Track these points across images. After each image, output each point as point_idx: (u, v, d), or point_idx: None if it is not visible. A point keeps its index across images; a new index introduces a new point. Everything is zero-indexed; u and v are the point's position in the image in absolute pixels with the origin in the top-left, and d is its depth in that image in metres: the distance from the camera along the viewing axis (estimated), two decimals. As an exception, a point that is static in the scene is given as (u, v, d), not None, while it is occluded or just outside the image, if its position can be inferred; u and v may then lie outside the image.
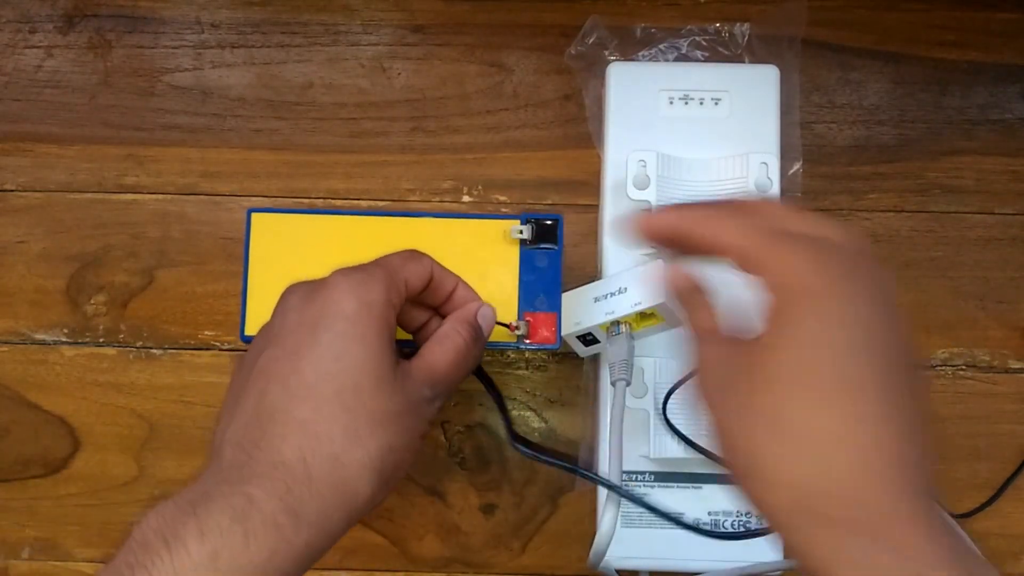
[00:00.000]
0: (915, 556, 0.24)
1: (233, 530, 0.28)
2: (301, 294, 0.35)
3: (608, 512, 0.41)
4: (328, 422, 0.31)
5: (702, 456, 0.45)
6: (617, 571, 0.47)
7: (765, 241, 0.28)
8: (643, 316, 0.44)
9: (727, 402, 0.28)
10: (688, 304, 0.33)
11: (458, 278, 0.40)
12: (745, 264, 0.29)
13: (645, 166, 0.48)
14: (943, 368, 0.53)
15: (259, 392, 0.32)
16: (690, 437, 0.45)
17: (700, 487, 0.48)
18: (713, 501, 0.48)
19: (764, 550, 0.48)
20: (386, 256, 0.37)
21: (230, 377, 0.37)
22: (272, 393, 0.32)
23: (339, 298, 0.33)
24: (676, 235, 0.31)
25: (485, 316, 0.40)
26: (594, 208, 0.53)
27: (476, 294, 0.41)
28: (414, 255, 0.37)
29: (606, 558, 0.43)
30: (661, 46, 0.55)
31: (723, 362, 0.29)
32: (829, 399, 0.26)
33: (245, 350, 0.54)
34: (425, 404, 0.36)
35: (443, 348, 0.37)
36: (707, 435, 0.34)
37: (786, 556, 0.28)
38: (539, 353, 0.54)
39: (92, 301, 0.55)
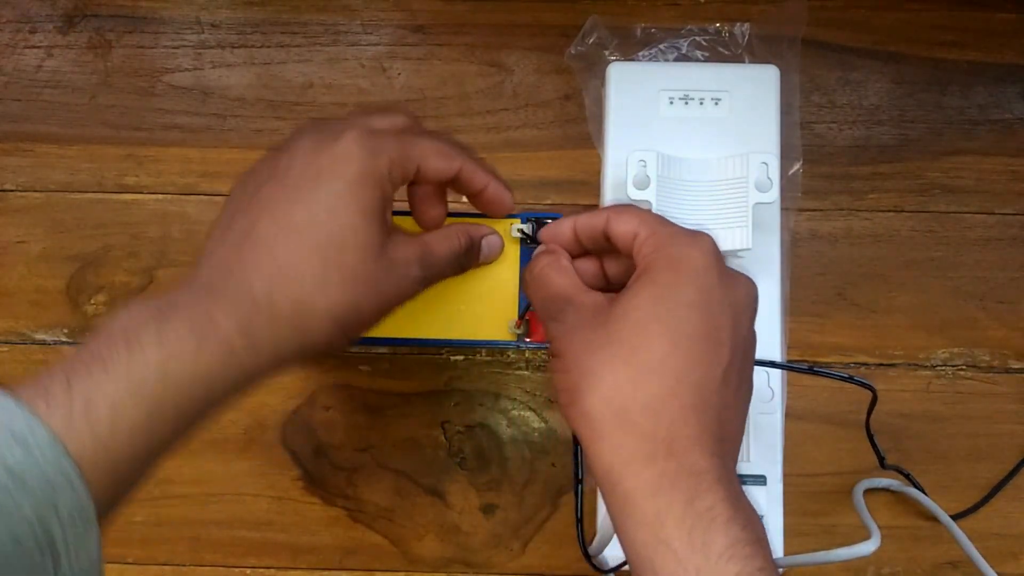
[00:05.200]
0: (696, 469, 0.29)
1: (188, 340, 0.29)
2: (315, 139, 0.35)
3: None
4: (302, 266, 0.32)
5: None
6: (616, 572, 0.47)
7: (656, 228, 0.34)
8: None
9: (575, 334, 0.33)
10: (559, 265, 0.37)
11: (491, 177, 0.40)
12: (635, 245, 0.34)
13: (645, 166, 0.47)
14: (943, 368, 0.53)
15: (250, 222, 0.33)
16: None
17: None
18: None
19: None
20: (418, 136, 0.37)
21: (229, 193, 0.37)
22: (261, 226, 0.33)
23: (346, 159, 0.34)
24: (591, 232, 0.36)
25: (491, 243, 0.42)
26: (594, 208, 0.53)
27: (506, 196, 0.41)
28: (444, 153, 0.37)
29: (606, 559, 0.43)
30: (661, 46, 0.55)
31: (586, 308, 0.34)
32: (663, 336, 0.31)
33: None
34: (408, 279, 0.36)
35: (444, 237, 0.39)
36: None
37: (589, 466, 0.32)
38: (539, 353, 0.54)
39: (92, 301, 0.55)
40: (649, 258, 0.33)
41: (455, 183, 0.39)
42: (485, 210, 0.41)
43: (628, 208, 0.36)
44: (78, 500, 0.26)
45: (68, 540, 0.26)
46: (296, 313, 0.32)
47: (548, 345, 0.35)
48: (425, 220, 0.40)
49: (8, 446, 0.25)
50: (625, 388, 0.31)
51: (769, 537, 0.48)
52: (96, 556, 0.27)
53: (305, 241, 0.32)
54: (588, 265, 0.38)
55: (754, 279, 0.49)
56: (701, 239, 0.33)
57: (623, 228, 0.35)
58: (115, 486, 0.28)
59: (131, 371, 0.28)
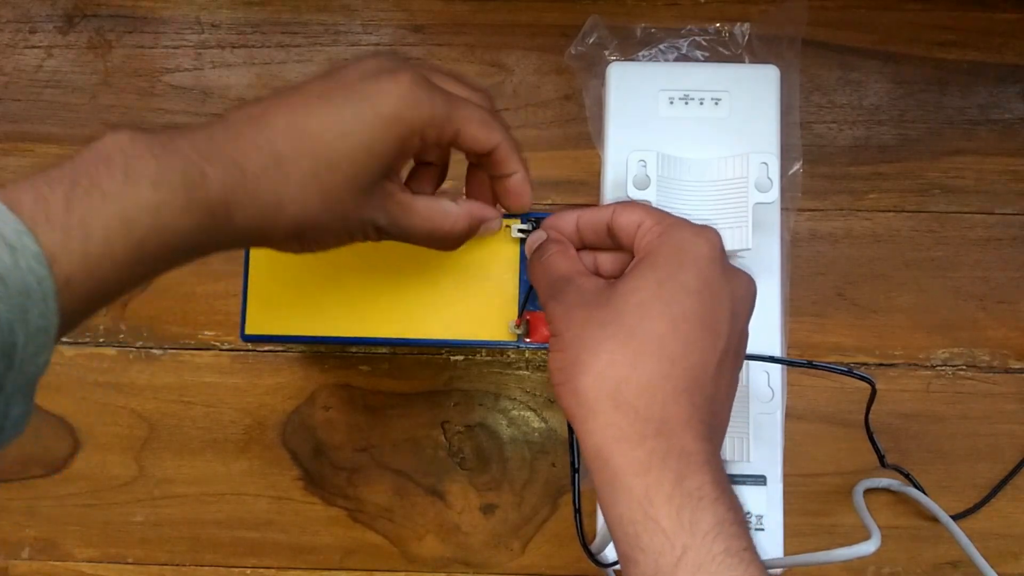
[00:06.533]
0: (686, 450, 0.30)
1: (180, 192, 0.29)
2: (379, 65, 0.34)
3: None
4: (293, 168, 0.32)
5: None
6: (616, 572, 0.47)
7: (663, 217, 0.35)
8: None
9: (575, 312, 0.33)
10: (562, 248, 0.38)
11: (522, 166, 0.39)
12: (639, 233, 0.35)
13: (645, 166, 0.47)
14: (943, 368, 0.53)
15: (276, 103, 0.33)
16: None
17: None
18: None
19: (759, 546, 0.48)
20: (466, 97, 0.36)
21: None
22: (280, 113, 0.33)
23: (387, 96, 0.33)
24: (594, 225, 0.37)
25: (489, 227, 0.41)
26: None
27: (528, 190, 0.40)
28: (487, 123, 0.36)
29: (606, 558, 0.43)
30: (661, 46, 0.55)
31: (588, 289, 0.34)
32: (662, 318, 0.31)
33: (245, 350, 0.54)
34: (371, 227, 0.36)
35: (440, 212, 0.37)
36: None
37: (580, 444, 0.33)
38: (539, 353, 0.54)
39: (92, 301, 0.55)
40: (653, 244, 0.34)
41: (488, 160, 0.38)
42: (503, 201, 0.40)
43: (635, 202, 0.36)
44: (47, 316, 0.27)
45: (26, 351, 0.27)
46: (270, 207, 0.32)
47: (548, 326, 0.35)
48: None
49: None
50: (621, 367, 0.31)
51: (769, 537, 0.48)
52: (38, 373, 0.28)
53: (307, 147, 0.32)
54: (584, 258, 0.38)
55: (754, 279, 0.49)
56: (707, 230, 0.34)
57: (628, 219, 0.35)
58: (81, 312, 0.29)
59: (126, 205, 0.28)
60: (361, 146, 0.33)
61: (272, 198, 0.32)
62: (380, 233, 0.37)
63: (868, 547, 0.40)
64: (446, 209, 0.37)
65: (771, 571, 0.47)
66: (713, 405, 0.32)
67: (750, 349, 0.44)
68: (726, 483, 0.31)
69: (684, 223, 0.34)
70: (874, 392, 0.45)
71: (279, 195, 0.32)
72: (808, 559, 0.42)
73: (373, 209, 0.35)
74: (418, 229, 0.37)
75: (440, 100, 0.34)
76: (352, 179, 0.33)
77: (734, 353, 0.33)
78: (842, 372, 0.43)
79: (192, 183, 0.30)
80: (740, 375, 0.47)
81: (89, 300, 0.28)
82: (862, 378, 0.43)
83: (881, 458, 0.49)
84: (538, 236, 0.39)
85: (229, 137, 0.31)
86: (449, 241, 0.38)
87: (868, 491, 0.50)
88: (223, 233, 0.31)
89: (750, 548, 0.29)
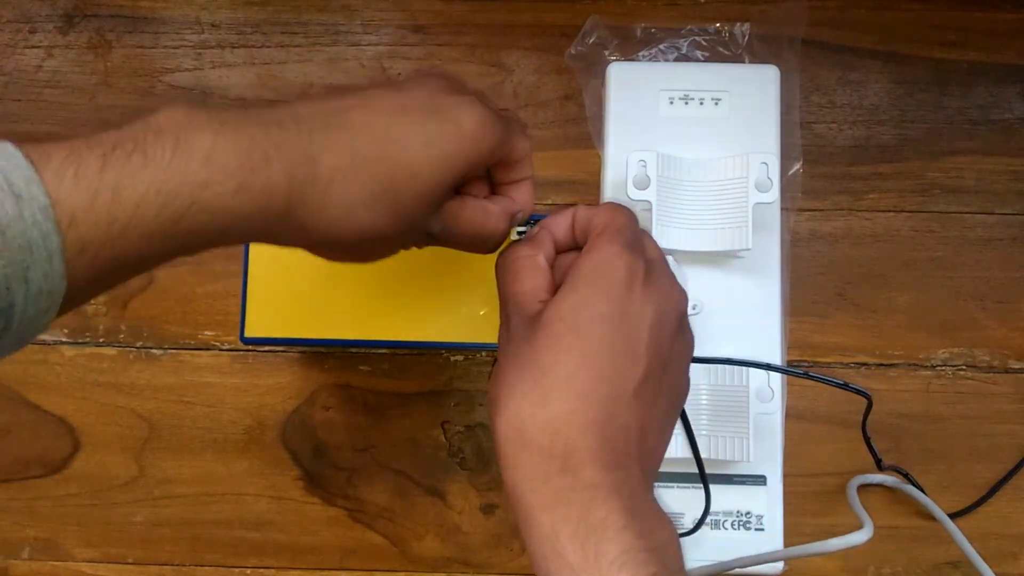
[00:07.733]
0: (591, 483, 0.30)
1: (235, 172, 0.28)
2: (443, 81, 0.34)
3: None
4: (371, 179, 0.31)
5: (704, 456, 0.45)
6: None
7: (608, 226, 0.34)
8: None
9: (510, 346, 0.33)
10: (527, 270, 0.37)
11: (530, 176, 0.39)
12: (592, 234, 0.34)
13: (645, 166, 0.47)
14: (943, 368, 0.53)
15: (361, 104, 0.32)
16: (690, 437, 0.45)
17: (700, 487, 0.47)
18: (713, 502, 0.48)
19: (759, 546, 0.48)
20: (521, 130, 0.37)
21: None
22: (365, 111, 0.32)
23: (471, 113, 0.33)
24: (584, 224, 0.36)
25: (518, 220, 0.40)
26: (594, 208, 0.53)
27: (532, 202, 0.40)
28: (525, 149, 0.37)
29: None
30: (661, 46, 0.55)
31: (530, 320, 0.33)
32: (574, 349, 0.31)
33: (245, 350, 0.54)
34: (424, 237, 0.36)
35: (484, 214, 0.36)
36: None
37: (502, 481, 0.32)
38: (539, 353, 0.54)
39: (92, 301, 0.55)
40: (577, 262, 0.33)
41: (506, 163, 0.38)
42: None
43: (618, 206, 0.35)
44: (52, 278, 0.25)
45: (26, 313, 0.25)
46: (339, 210, 0.31)
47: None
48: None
49: (2, 196, 0.24)
50: (528, 406, 0.31)
51: (769, 537, 0.48)
52: (38, 333, 0.26)
53: (388, 152, 0.31)
54: (571, 260, 0.37)
55: (754, 279, 0.49)
56: (626, 254, 0.33)
57: (598, 219, 0.35)
58: (98, 282, 0.27)
59: (168, 175, 0.26)
60: (443, 157, 0.32)
61: (342, 201, 0.30)
62: (428, 241, 0.36)
63: (860, 536, 0.40)
64: (487, 209, 0.37)
65: (771, 565, 0.47)
66: (630, 432, 0.31)
67: (749, 354, 0.44)
68: (641, 511, 0.30)
69: (610, 241, 0.33)
70: (870, 404, 0.45)
71: (351, 199, 0.31)
72: (802, 550, 0.42)
73: (432, 220, 0.35)
74: (464, 233, 0.36)
75: (503, 127, 0.34)
76: (427, 191, 0.32)
77: (659, 374, 0.33)
78: (838, 385, 0.43)
79: (252, 165, 0.28)
80: (738, 378, 0.47)
81: (108, 270, 0.26)
82: (858, 392, 0.43)
83: (878, 462, 0.49)
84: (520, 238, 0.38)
85: (302, 129, 0.30)
86: (491, 241, 0.37)
87: (866, 489, 0.50)
88: (275, 227, 0.30)
89: (660, 573, 0.29)
